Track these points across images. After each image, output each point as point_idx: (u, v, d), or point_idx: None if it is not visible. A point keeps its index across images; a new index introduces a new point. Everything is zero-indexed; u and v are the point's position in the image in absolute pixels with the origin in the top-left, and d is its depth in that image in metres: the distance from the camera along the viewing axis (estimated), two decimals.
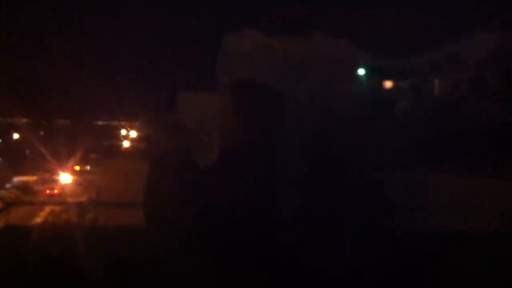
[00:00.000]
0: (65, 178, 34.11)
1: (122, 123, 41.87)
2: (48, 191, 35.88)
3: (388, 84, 24.25)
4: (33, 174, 44.09)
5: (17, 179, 43.09)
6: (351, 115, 19.41)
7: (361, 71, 22.13)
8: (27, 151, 46.34)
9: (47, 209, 25.20)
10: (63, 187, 33.70)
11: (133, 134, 38.20)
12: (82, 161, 38.35)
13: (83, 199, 27.51)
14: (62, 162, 34.09)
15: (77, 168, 36.82)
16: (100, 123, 45.89)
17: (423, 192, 17.59)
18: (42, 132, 43.47)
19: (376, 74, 23.37)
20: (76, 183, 33.67)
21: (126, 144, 39.59)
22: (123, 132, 40.83)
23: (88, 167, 37.25)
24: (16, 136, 47.38)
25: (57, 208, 23.81)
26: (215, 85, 24.62)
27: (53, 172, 37.80)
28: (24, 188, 40.09)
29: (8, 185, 41.51)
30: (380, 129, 20.20)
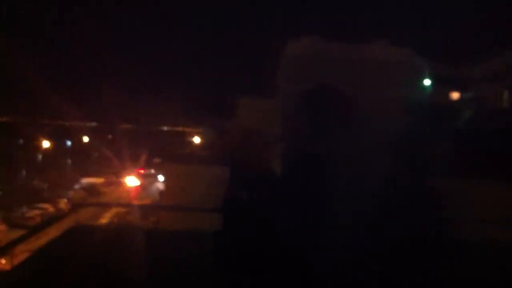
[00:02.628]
0: (130, 181, 35.06)
1: (186, 129, 42.72)
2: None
3: (452, 94, 23.83)
4: (100, 176, 45.55)
5: (84, 180, 44.63)
6: (413, 125, 19.17)
7: (424, 81, 21.86)
8: (95, 154, 47.91)
9: (112, 210, 25.97)
10: (128, 190, 34.63)
11: (197, 140, 38.85)
12: (146, 165, 39.35)
13: (146, 202, 28.22)
14: (127, 165, 35.10)
15: (142, 171, 37.78)
16: (164, 128, 46.98)
17: (481, 204, 17.22)
18: (109, 136, 44.92)
19: (439, 84, 23.01)
20: (140, 186, 34.55)
21: (189, 149, 40.36)
22: (187, 138, 41.66)
23: (152, 171, 38.17)
24: (85, 139, 49.12)
25: (122, 210, 24.48)
26: (276, 92, 24.90)
27: (119, 175, 38.96)
28: (91, 189, 41.50)
29: (76, 186, 43.06)
30: (443, 139, 19.87)
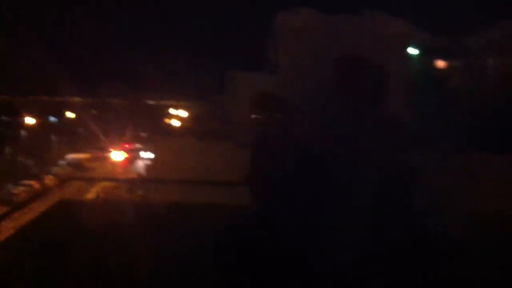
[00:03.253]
0: (116, 155, 34.79)
1: (172, 102, 42.30)
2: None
3: (441, 63, 23.64)
4: (86, 152, 45.15)
5: (70, 156, 44.23)
6: (402, 95, 19.02)
7: (414, 50, 21.64)
8: (80, 130, 47.42)
9: (99, 185, 25.76)
10: (114, 165, 34.40)
11: (183, 113, 38.53)
12: (133, 140, 39.00)
13: (133, 176, 28.01)
14: (113, 140, 34.75)
15: (128, 146, 37.47)
16: (150, 102, 46.51)
17: (473, 176, 17.18)
18: (94, 111, 44.41)
19: (430, 53, 22.81)
20: (127, 160, 34.30)
21: (175, 122, 40.03)
22: (173, 111, 41.26)
23: (138, 145, 37.89)
24: (70, 115, 48.54)
25: (108, 184, 24.27)
26: (266, 65, 24.53)
27: (105, 150, 38.61)
28: (77, 165, 41.17)
29: (61, 162, 42.68)
30: (432, 110, 19.75)
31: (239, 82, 26.96)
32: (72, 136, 47.20)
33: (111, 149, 35.53)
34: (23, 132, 47.50)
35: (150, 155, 31.57)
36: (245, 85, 24.62)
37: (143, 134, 40.43)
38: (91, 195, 24.40)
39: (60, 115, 49.24)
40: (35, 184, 34.88)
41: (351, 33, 18.27)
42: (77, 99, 46.46)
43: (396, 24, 20.69)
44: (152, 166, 25.57)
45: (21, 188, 33.12)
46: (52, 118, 50.07)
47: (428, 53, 23.07)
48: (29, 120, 46.78)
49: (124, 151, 35.61)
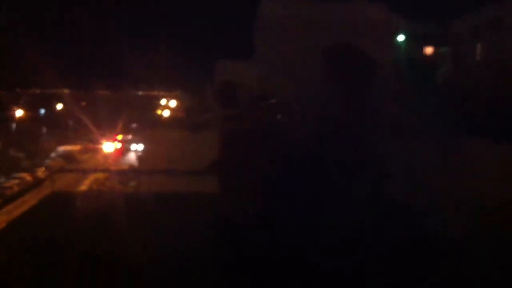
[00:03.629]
0: (107, 147, 34.81)
1: (162, 93, 42.30)
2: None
3: (428, 50, 23.78)
4: (77, 144, 45.12)
5: (61, 148, 44.16)
6: (388, 82, 19.13)
7: (400, 37, 21.74)
8: (71, 122, 47.35)
9: (91, 177, 25.82)
10: (106, 156, 34.42)
11: (173, 103, 38.55)
12: (124, 131, 39.02)
13: (125, 167, 28.06)
14: (104, 131, 34.74)
15: (119, 137, 37.49)
16: (140, 93, 46.47)
17: (461, 160, 17.34)
18: (84, 103, 44.33)
19: (416, 40, 22.92)
20: (118, 152, 34.34)
21: (165, 113, 40.04)
22: (163, 102, 41.26)
23: (130, 137, 37.88)
24: (59, 106, 48.43)
25: (101, 176, 24.34)
26: (253, 53, 24.53)
27: (96, 142, 38.62)
28: (68, 157, 41.12)
29: (53, 154, 42.61)
30: (419, 95, 19.88)
31: (218, 71, 26.82)
32: (63, 128, 47.12)
33: (102, 141, 35.56)
34: (13, 125, 47.34)
35: (140, 146, 31.66)
36: (223, 74, 24.47)
37: (133, 126, 40.42)
38: (83, 186, 24.47)
39: (50, 108, 49.11)
40: (27, 176, 34.87)
41: (335, 21, 18.28)
42: (66, 91, 46.37)
43: (380, 11, 20.76)
44: (144, 157, 25.65)
45: (13, 181, 33.10)
46: (42, 111, 49.94)
47: (416, 40, 23.20)
48: (19, 113, 46.63)
49: (115, 142, 35.66)
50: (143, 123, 40.64)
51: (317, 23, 18.70)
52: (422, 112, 19.65)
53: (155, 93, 43.35)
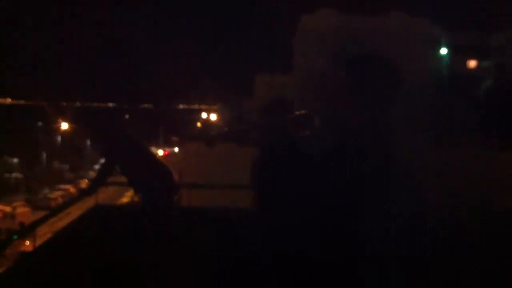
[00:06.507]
0: None
1: (202, 106, 42.71)
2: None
3: (471, 63, 23.38)
4: None
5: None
6: (428, 95, 18.83)
7: (443, 50, 21.44)
8: None
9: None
10: None
11: (213, 117, 38.83)
12: (165, 144, 39.47)
13: None
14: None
15: (161, 151, 37.91)
16: (181, 107, 47.03)
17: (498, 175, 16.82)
18: (127, 116, 45.11)
19: (459, 53, 22.57)
20: None
21: (206, 126, 40.37)
22: (204, 115, 41.65)
23: (176, 149, 38.26)
24: None
25: None
26: (293, 67, 24.59)
27: None
28: None
29: (96, 167, 43.40)
30: (461, 108, 19.49)
31: (258, 85, 27.00)
32: None
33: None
34: (58, 138, 48.44)
35: (182, 159, 31.92)
36: (262, 88, 24.63)
37: (175, 139, 40.87)
38: (125, 199, 24.76)
39: None
40: (70, 188, 35.57)
41: (373, 34, 18.15)
42: (110, 104, 47.27)
43: (420, 24, 20.55)
44: (184, 170, 25.83)
45: (58, 193, 33.81)
46: None
47: (459, 53, 22.84)
48: (63, 126, 47.71)
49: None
50: (184, 136, 41.08)
51: (356, 36, 18.64)
52: (460, 125, 19.27)
53: (196, 106, 43.79)
